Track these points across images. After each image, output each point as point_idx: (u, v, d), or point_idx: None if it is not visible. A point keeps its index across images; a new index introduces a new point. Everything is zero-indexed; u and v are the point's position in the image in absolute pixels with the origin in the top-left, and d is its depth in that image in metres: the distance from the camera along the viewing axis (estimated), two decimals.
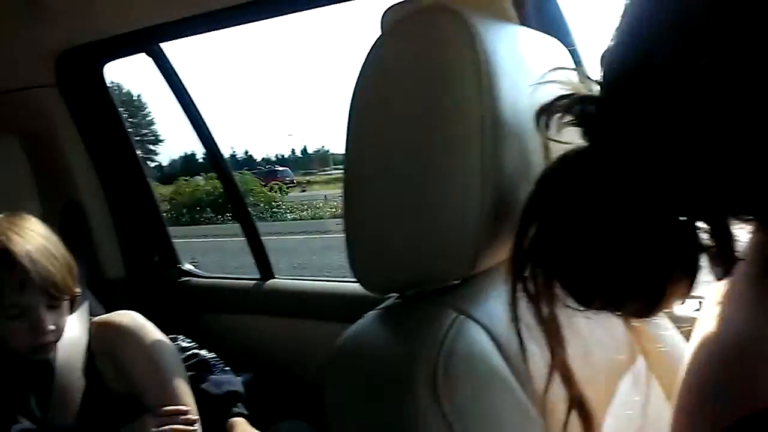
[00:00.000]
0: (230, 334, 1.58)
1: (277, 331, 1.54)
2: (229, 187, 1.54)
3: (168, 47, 1.47)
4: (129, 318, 1.20)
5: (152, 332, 1.21)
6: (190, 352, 1.30)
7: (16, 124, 1.49)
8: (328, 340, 1.41)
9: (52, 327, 1.09)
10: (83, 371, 1.20)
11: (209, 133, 1.49)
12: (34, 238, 1.09)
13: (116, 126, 1.62)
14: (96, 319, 1.21)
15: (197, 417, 1.15)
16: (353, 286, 1.46)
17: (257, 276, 1.60)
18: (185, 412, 1.13)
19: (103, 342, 1.19)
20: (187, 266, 1.76)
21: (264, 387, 1.43)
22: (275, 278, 1.58)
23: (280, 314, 1.53)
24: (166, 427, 1.10)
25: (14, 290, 1.04)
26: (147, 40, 1.42)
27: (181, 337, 1.30)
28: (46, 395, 1.13)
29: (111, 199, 1.65)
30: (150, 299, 1.64)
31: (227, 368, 1.33)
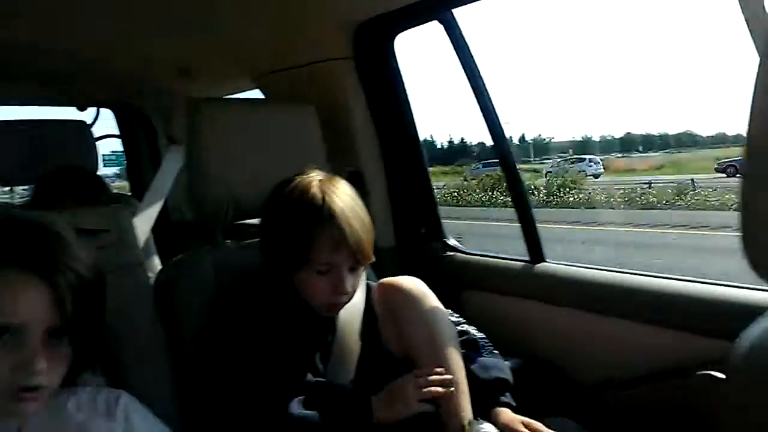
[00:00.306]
0: (491, 314, 1.52)
1: (546, 319, 1.44)
2: (507, 167, 1.47)
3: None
4: (413, 283, 1.20)
5: (433, 301, 1.19)
6: (460, 328, 1.27)
7: (314, 95, 1.60)
8: (607, 337, 1.29)
9: (350, 289, 1.14)
10: (360, 332, 1.25)
11: (494, 110, 1.43)
12: (350, 202, 1.13)
13: (401, 98, 1.65)
14: (382, 280, 1.23)
15: (451, 377, 1.11)
16: (641, 280, 1.29)
17: (525, 258, 1.51)
18: (441, 373, 1.10)
19: (387, 304, 1.20)
20: (452, 241, 1.74)
21: (531, 377, 1.35)
22: (546, 262, 1.48)
23: (550, 301, 1.43)
24: (426, 389, 1.09)
25: (330, 248, 1.09)
26: (440, 7, 1.40)
27: (448, 311, 1.27)
28: (327, 352, 1.19)
29: (389, 171, 1.71)
30: (414, 270, 1.67)
31: (495, 351, 1.27)
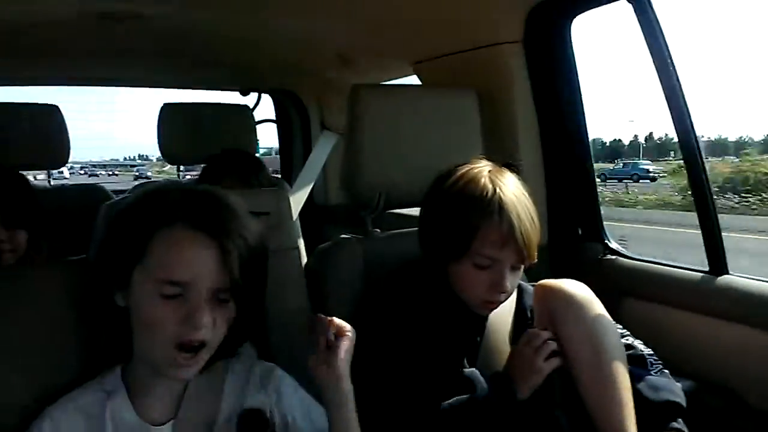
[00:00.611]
0: (655, 327, 1.37)
1: (725, 338, 1.27)
2: (692, 166, 1.31)
3: None
4: (577, 288, 1.11)
5: (599, 310, 1.10)
6: (626, 342, 1.16)
7: (475, 80, 1.55)
8: None
9: (509, 288, 1.08)
10: (510, 336, 1.19)
11: (685, 104, 1.27)
12: (521, 195, 1.08)
13: (571, 87, 1.54)
14: (542, 282, 1.16)
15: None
16: None
17: (703, 268, 1.34)
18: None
19: (546, 308, 1.12)
20: (614, 244, 1.60)
21: (705, 402, 1.20)
22: (730, 275, 1.30)
23: (732, 318, 1.26)
24: (544, 347, 1.08)
25: (496, 242, 1.05)
26: None
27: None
28: (474, 354, 1.14)
29: (548, 164, 1.60)
30: (568, 272, 1.56)
31: (666, 370, 1.15)
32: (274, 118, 2.87)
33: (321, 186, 2.67)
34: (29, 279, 1.07)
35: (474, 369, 1.10)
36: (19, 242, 1.44)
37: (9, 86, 2.38)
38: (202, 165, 1.93)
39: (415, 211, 1.79)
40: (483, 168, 1.10)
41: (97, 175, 33.08)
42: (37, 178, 3.53)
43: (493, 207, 1.04)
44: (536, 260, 1.09)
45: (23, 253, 1.46)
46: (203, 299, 0.84)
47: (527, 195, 1.10)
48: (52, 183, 2.15)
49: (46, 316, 0.99)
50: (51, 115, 1.95)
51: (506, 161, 1.18)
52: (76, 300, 1.00)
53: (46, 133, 1.93)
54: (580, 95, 1.55)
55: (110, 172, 39.18)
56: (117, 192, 2.29)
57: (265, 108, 2.82)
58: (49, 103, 1.97)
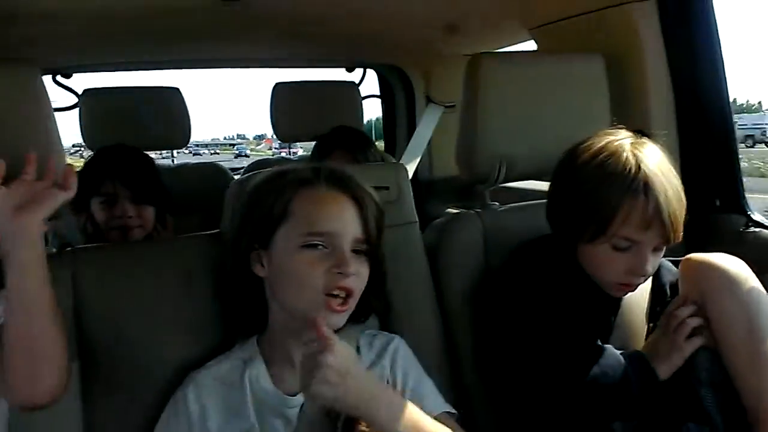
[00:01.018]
0: None
1: None
2: None
3: None
4: (732, 264, 1.03)
5: (757, 288, 1.01)
6: None
7: (601, 43, 1.45)
8: None
9: (650, 271, 1.03)
10: (647, 313, 1.12)
11: None
12: (668, 173, 1.00)
13: (711, 48, 1.40)
14: (690, 256, 1.07)
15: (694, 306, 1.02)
16: None
17: None
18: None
19: (694, 281, 1.05)
20: (757, 216, 1.47)
21: None
22: None
23: None
24: (685, 324, 1.02)
25: (639, 224, 0.97)
26: None
27: None
28: (607, 334, 1.09)
29: (682, 132, 1.48)
30: (704, 246, 1.45)
31: None
32: (377, 93, 2.87)
33: (425, 160, 2.64)
34: (172, 250, 1.13)
35: (610, 346, 1.05)
36: (147, 218, 1.54)
37: (132, 71, 2.51)
38: (303, 142, 1.97)
39: (525, 184, 1.73)
40: (624, 140, 1.02)
41: (200, 155, 34.23)
42: None
43: (637, 185, 0.96)
44: (680, 239, 1.01)
45: (151, 228, 1.55)
46: (348, 250, 0.91)
47: (672, 170, 1.01)
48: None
49: (188, 285, 1.05)
50: (174, 97, 2.04)
51: (635, 130, 1.11)
52: (214, 271, 1.05)
53: (170, 114, 2.03)
54: (721, 55, 1.41)
55: (212, 151, 40.88)
56: (233, 170, 2.39)
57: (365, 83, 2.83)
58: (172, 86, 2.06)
